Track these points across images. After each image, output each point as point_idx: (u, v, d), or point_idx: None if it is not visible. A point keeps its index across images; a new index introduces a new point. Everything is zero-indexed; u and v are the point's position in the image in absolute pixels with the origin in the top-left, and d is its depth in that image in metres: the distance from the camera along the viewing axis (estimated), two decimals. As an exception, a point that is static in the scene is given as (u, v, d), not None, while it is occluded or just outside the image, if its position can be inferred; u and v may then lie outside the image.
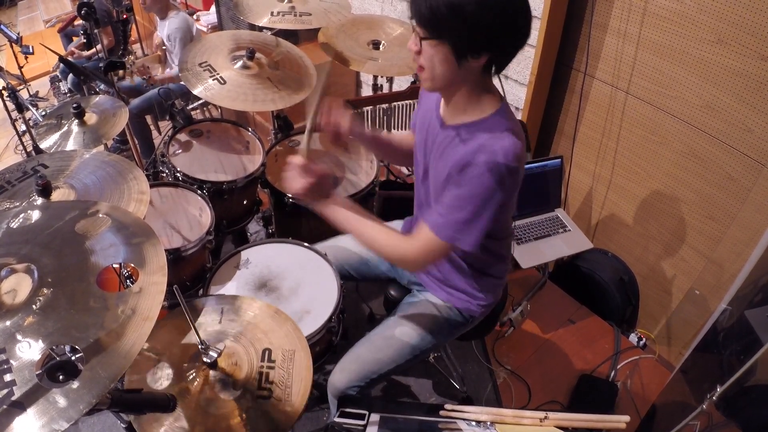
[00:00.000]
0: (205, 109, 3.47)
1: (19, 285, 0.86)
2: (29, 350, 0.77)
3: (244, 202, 2.17)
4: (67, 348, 0.80)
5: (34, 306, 0.82)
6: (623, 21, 2.00)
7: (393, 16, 2.87)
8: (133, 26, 4.14)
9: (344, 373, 1.45)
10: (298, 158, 1.24)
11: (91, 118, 1.93)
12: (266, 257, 1.69)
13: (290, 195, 1.86)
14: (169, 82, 3.13)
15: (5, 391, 0.74)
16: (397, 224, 1.70)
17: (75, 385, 0.75)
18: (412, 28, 1.12)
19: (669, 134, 2.04)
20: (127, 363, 0.78)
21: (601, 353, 2.22)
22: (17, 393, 0.74)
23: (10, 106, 2.66)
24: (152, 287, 0.88)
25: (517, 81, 2.38)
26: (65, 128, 1.90)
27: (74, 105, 1.89)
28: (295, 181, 1.23)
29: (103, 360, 0.77)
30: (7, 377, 0.75)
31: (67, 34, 4.35)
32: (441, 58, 1.10)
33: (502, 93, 1.24)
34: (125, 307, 0.84)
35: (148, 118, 3.34)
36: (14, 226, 0.99)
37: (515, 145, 1.12)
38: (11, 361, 0.76)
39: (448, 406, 1.23)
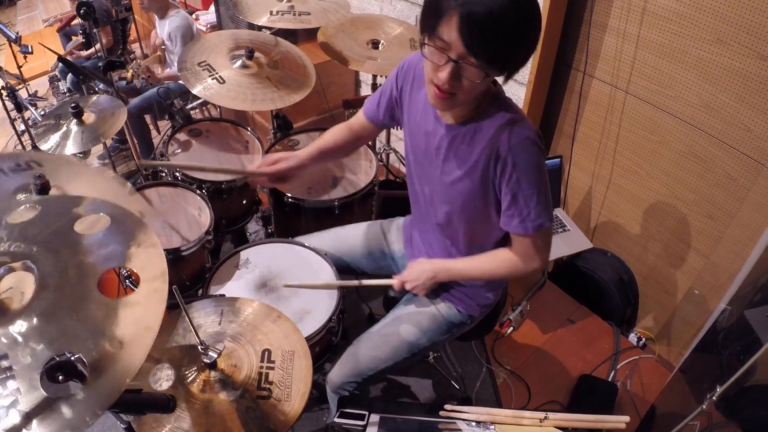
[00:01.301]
0: (204, 108, 3.47)
1: (19, 286, 0.85)
2: (32, 357, 0.77)
3: (244, 202, 2.17)
4: (72, 356, 0.80)
5: (35, 311, 0.81)
6: (622, 20, 2.00)
7: (392, 15, 2.86)
8: (132, 26, 4.13)
9: (341, 370, 1.45)
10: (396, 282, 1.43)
11: (89, 117, 1.93)
12: (266, 257, 1.69)
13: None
14: (171, 80, 3.13)
15: (11, 399, 0.73)
16: (398, 222, 1.70)
17: (80, 396, 0.74)
18: (447, 58, 1.01)
19: (668, 134, 2.04)
20: (132, 371, 0.76)
21: (600, 353, 2.22)
22: (22, 402, 0.73)
23: (9, 105, 2.65)
24: (153, 294, 0.87)
25: (516, 81, 2.38)
26: (64, 128, 1.90)
27: (73, 104, 1.88)
28: (417, 289, 1.40)
29: (107, 369, 0.76)
30: (12, 384, 0.74)
31: (66, 34, 4.34)
32: (486, 84, 1.08)
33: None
34: (127, 314, 0.83)
35: (147, 118, 3.34)
36: (14, 225, 0.99)
37: (525, 119, 1.16)
38: (14, 368, 0.76)
39: (448, 407, 1.23)
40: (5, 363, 0.76)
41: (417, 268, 1.41)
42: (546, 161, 2.27)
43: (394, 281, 1.45)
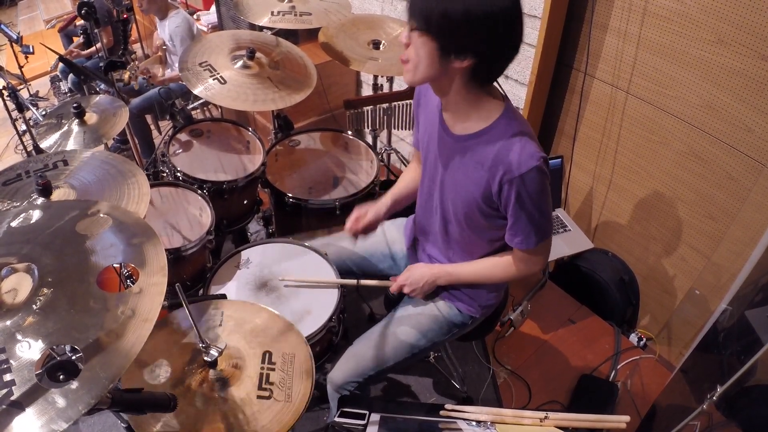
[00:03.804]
0: (205, 108, 3.47)
1: (20, 285, 0.86)
2: (29, 350, 0.77)
3: (245, 202, 2.17)
4: (67, 348, 0.80)
5: (34, 306, 0.82)
6: (623, 21, 2.00)
7: (393, 15, 2.87)
8: (133, 26, 4.14)
9: (343, 370, 1.46)
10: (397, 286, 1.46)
11: (91, 117, 1.93)
12: (266, 257, 1.69)
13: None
14: (171, 82, 3.13)
15: (4, 390, 0.74)
16: (400, 222, 1.71)
17: (74, 385, 0.75)
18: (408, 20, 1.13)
19: (669, 134, 2.04)
20: (126, 364, 0.77)
21: (601, 353, 2.22)
22: (16, 393, 0.74)
23: (11, 105, 2.65)
24: (152, 288, 0.88)
25: (517, 81, 2.38)
26: (65, 128, 1.90)
27: (74, 105, 1.89)
28: (415, 293, 1.45)
29: (102, 360, 0.77)
30: (7, 377, 0.75)
31: (67, 34, 4.35)
32: (426, 53, 1.11)
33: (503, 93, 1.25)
34: (125, 307, 0.84)
35: (149, 118, 3.34)
36: (15, 226, 0.99)
37: (533, 140, 1.17)
38: (11, 361, 0.76)
39: (448, 406, 1.23)
40: (2, 356, 0.77)
41: (416, 272, 1.43)
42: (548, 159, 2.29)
43: (391, 284, 1.47)
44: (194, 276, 1.85)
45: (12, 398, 0.73)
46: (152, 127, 3.43)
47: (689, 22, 1.81)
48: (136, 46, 4.52)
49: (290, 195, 1.98)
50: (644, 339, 2.29)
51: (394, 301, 1.63)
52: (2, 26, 3.36)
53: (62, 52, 4.03)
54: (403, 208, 1.61)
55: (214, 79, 1.96)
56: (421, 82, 1.19)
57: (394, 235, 1.69)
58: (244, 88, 1.95)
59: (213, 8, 3.74)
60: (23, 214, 1.02)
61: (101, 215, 1.01)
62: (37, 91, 4.23)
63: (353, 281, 1.58)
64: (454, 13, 1.04)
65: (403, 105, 2.46)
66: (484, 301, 1.49)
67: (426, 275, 1.42)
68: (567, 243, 2.29)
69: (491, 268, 1.38)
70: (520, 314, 2.31)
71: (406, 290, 1.45)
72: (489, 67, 1.14)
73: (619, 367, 2.17)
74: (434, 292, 1.51)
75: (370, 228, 1.53)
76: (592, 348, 2.24)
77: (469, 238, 1.36)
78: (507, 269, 1.36)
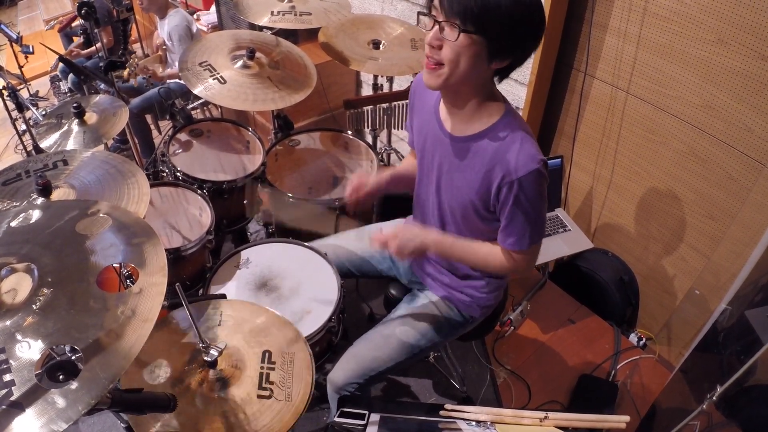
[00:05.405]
0: (205, 108, 3.47)
1: (19, 285, 0.86)
2: (29, 350, 0.77)
3: (244, 202, 2.17)
4: (67, 348, 0.80)
5: (34, 306, 0.82)
6: (623, 20, 2.00)
7: (393, 15, 2.87)
8: (133, 26, 4.13)
9: (343, 371, 1.45)
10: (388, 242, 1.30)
11: (91, 117, 1.93)
12: (266, 257, 1.69)
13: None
14: (172, 79, 3.13)
15: (4, 391, 0.74)
16: (398, 223, 1.71)
17: (74, 385, 0.75)
18: (434, 21, 1.07)
19: (669, 134, 2.04)
20: (126, 364, 0.77)
21: (601, 353, 2.22)
22: (16, 393, 0.74)
23: (10, 105, 2.65)
24: (152, 288, 0.88)
25: (517, 81, 2.38)
26: (65, 128, 1.90)
27: (74, 104, 1.89)
28: (400, 255, 1.30)
29: (102, 361, 0.77)
30: (7, 377, 0.75)
31: (67, 34, 4.35)
32: (471, 55, 1.06)
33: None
34: (125, 308, 0.84)
35: (149, 118, 3.34)
36: (15, 226, 0.99)
37: (532, 142, 1.16)
38: (11, 361, 0.76)
39: (448, 406, 1.23)
40: (1, 356, 0.77)
41: (409, 231, 1.31)
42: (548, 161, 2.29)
43: (376, 236, 1.32)
44: (194, 276, 1.85)
45: (12, 398, 0.73)
46: (152, 126, 3.43)
47: (689, 21, 1.81)
48: (136, 46, 4.52)
49: (290, 195, 1.98)
50: (644, 339, 2.29)
51: (394, 301, 1.63)
52: (2, 26, 3.36)
53: (62, 52, 4.03)
54: (401, 208, 1.61)
55: (213, 79, 1.96)
56: (454, 86, 1.14)
57: (393, 235, 1.69)
58: (244, 88, 1.95)
59: (213, 8, 3.74)
60: (23, 214, 1.02)
61: (101, 215, 1.01)
62: (37, 91, 4.23)
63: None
64: (513, 12, 1.01)
65: (402, 105, 2.46)
66: (484, 301, 1.49)
67: (418, 236, 1.29)
68: (567, 243, 2.29)
69: (486, 256, 1.32)
70: (520, 314, 2.31)
71: (391, 246, 1.28)
72: (518, 65, 1.12)
73: (618, 367, 2.17)
74: (435, 290, 1.51)
75: (368, 198, 1.47)
76: (591, 348, 2.24)
77: (468, 238, 1.36)
78: (498, 262, 1.31)
